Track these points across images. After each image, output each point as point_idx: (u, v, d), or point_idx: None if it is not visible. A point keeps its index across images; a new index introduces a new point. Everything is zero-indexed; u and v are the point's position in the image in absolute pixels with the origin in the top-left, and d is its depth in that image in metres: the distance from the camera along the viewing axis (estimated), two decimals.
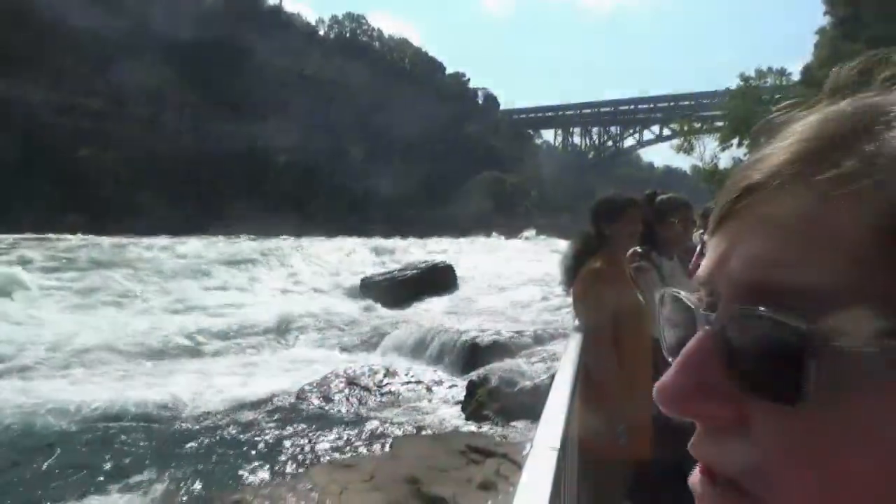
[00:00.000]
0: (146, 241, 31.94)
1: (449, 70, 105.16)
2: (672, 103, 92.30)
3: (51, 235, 32.73)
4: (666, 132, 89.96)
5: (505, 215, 72.34)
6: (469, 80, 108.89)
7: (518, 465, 4.88)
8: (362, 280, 17.86)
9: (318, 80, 76.17)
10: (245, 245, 32.55)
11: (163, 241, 33.18)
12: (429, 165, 78.22)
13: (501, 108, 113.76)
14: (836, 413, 0.29)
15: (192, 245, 28.26)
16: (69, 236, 33.06)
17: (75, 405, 7.38)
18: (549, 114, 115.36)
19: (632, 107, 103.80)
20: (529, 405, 6.73)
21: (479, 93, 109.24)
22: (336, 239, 38.21)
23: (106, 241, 30.56)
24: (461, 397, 7.62)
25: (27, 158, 45.51)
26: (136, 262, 21.10)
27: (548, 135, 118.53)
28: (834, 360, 0.29)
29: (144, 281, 17.84)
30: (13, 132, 45.92)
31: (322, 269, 23.52)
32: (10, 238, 29.05)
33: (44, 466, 5.87)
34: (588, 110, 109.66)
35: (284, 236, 38.25)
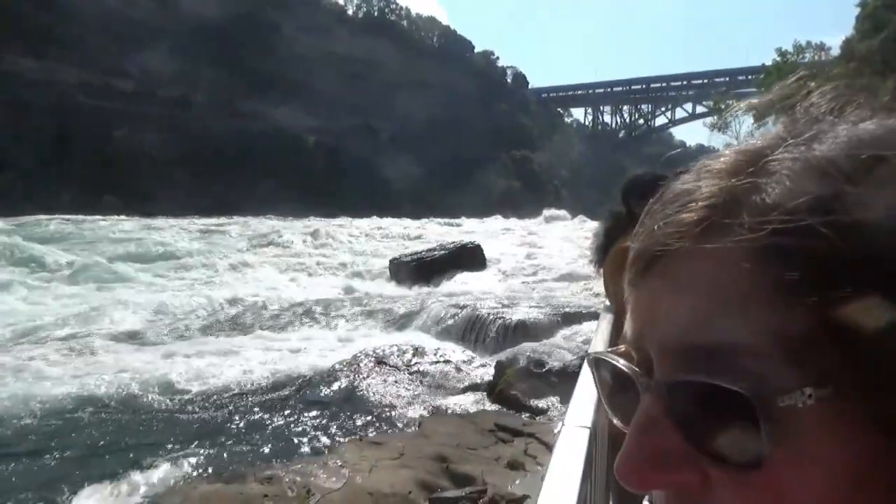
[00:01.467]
0: (173, 221, 32.50)
1: (477, 48, 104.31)
2: (706, 80, 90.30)
3: (85, 216, 33.49)
4: (700, 109, 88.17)
5: (534, 195, 71.91)
6: (498, 58, 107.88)
7: (546, 446, 4.90)
8: (391, 260, 17.93)
9: (347, 60, 76.13)
10: (274, 224, 32.94)
11: (195, 221, 33.76)
12: (457, 145, 77.90)
13: (530, 86, 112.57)
14: (797, 468, 0.29)
15: (226, 226, 28.70)
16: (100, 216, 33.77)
17: (121, 379, 7.60)
18: (579, 92, 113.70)
19: (664, 84, 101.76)
20: (558, 386, 6.73)
21: (508, 71, 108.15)
22: (364, 219, 38.41)
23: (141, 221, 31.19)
24: (489, 377, 7.64)
25: (62, 140, 46.44)
26: (153, 242, 21.52)
27: (577, 113, 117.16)
28: (781, 418, 0.29)
29: (178, 261, 18.20)
30: (48, 114, 46.84)
31: (349, 248, 23.69)
32: (46, 217, 29.79)
33: (87, 438, 6.06)
34: (619, 88, 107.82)
35: (312, 217, 38.57)
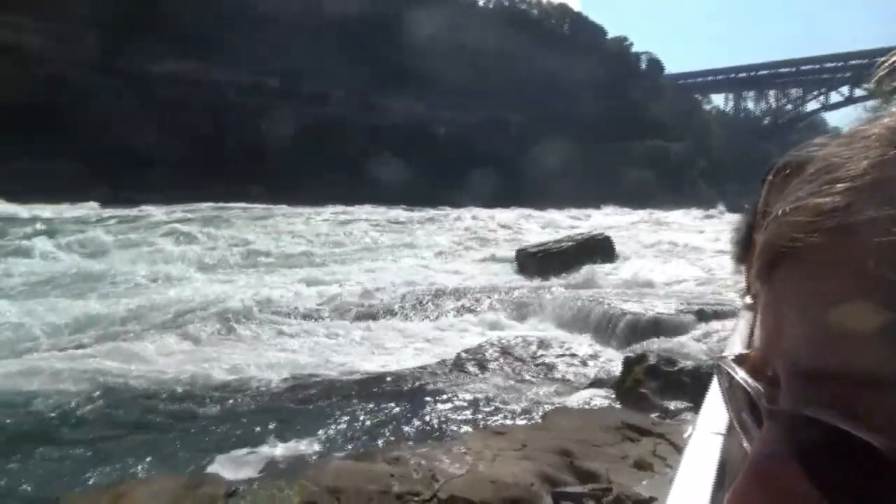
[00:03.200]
0: (310, 210, 34.28)
1: (610, 34, 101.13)
2: (866, 60, 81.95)
3: (234, 204, 36.16)
4: (858, 93, 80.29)
5: (669, 186, 68.82)
6: (631, 44, 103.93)
7: (677, 448, 4.70)
8: (517, 251, 17.89)
9: (477, 51, 76.53)
10: (404, 214, 33.90)
11: (333, 209, 35.46)
12: (589, 134, 76.12)
13: (666, 72, 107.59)
14: None
15: (358, 213, 29.90)
16: (247, 205, 36.27)
17: (241, 363, 8.18)
18: (720, 77, 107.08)
19: (817, 66, 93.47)
20: (691, 386, 6.42)
21: (643, 57, 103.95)
22: (494, 209, 38.55)
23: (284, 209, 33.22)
24: (617, 373, 7.44)
25: (216, 134, 50.40)
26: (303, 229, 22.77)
27: (718, 99, 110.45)
28: None
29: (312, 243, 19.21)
30: (204, 110, 51.04)
31: (478, 238, 23.88)
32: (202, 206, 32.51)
33: (244, 406, 6.58)
34: (764, 71, 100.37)
35: (443, 207, 39.22)
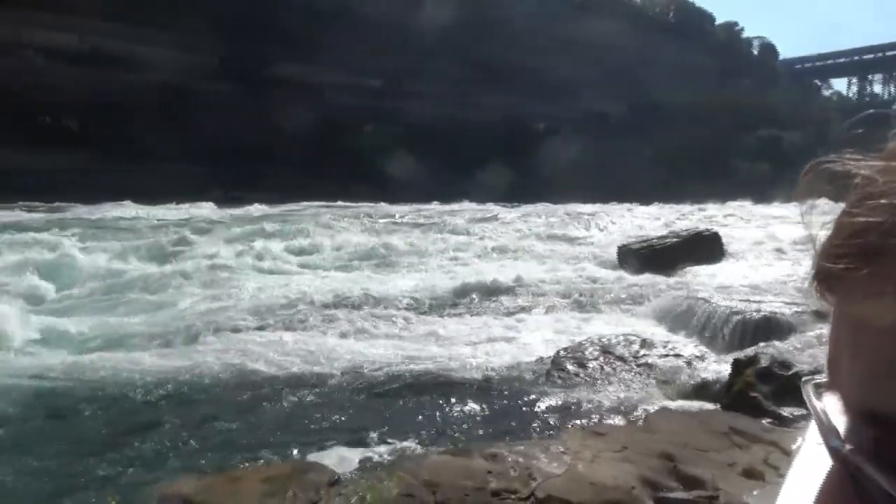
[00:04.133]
0: (408, 207, 34.89)
1: (719, 20, 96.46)
2: None
3: (340, 203, 37.42)
4: None
5: (784, 179, 64.83)
6: (742, 29, 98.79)
7: (790, 457, 4.43)
8: (619, 247, 17.44)
9: (578, 44, 75.09)
10: (502, 210, 33.85)
11: (435, 207, 36.00)
12: (696, 125, 72.96)
13: (781, 57, 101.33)
14: None
15: (458, 209, 30.15)
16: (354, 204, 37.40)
17: (344, 356, 8.44)
18: (841, 60, 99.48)
19: None
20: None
21: (755, 42, 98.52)
22: (596, 205, 37.78)
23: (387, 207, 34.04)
24: (725, 375, 7.10)
25: (323, 135, 52.38)
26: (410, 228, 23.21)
27: (839, 84, 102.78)
28: None
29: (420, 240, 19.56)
30: (311, 112, 53.21)
31: (578, 234, 23.50)
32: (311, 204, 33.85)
33: (346, 399, 6.82)
34: (894, 52, 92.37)
35: (544, 203, 38.82)
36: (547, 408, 6.59)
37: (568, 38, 74.55)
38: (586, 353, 8.30)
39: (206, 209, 33.16)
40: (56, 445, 5.67)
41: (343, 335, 9.72)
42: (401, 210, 33.48)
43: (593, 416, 6.33)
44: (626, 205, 37.20)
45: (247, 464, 5.07)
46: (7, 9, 43.74)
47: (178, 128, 45.75)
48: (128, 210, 30.24)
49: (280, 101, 51.87)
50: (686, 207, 37.40)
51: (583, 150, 63.80)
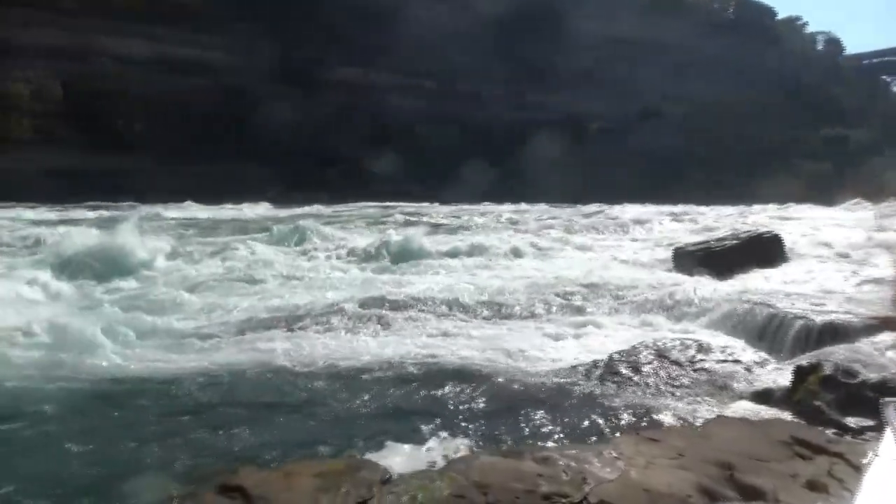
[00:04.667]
0: (467, 206, 34.95)
1: (781, 14, 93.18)
2: None
3: (395, 203, 37.79)
4: None
5: (849, 178, 62.19)
6: (805, 24, 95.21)
7: (858, 470, 4.25)
8: (675, 249, 17.07)
9: (632, 43, 73.77)
10: (560, 211, 33.58)
11: (488, 207, 35.99)
12: (755, 124, 70.74)
13: (846, 52, 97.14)
14: None
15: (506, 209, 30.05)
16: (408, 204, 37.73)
17: (400, 356, 8.53)
18: None
19: None
20: (875, 401, 5.78)
21: (818, 38, 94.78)
22: (648, 205, 37.12)
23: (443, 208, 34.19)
24: (787, 383, 6.87)
25: (379, 136, 53.03)
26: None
27: None
28: None
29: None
30: (369, 113, 54.02)
31: (631, 235, 23.12)
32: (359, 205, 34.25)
33: (374, 401, 6.89)
34: None
35: (598, 204, 38.33)
36: (599, 412, 6.50)
37: (623, 35, 73.32)
38: (640, 356, 8.16)
39: (261, 209, 34.00)
40: (117, 437, 5.92)
41: (396, 333, 9.82)
42: (454, 209, 33.62)
43: (647, 421, 6.22)
44: (682, 206, 36.34)
45: (301, 459, 5.18)
46: (82, 18, 45.86)
47: (237, 130, 47.05)
48: (189, 210, 31.26)
49: (335, 103, 52.74)
50: (754, 207, 36.34)
51: (638, 150, 62.69)
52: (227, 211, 32.21)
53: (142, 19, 47.71)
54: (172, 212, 29.90)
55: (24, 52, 42.63)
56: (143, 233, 16.82)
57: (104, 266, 13.82)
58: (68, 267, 13.77)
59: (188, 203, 33.55)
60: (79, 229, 17.75)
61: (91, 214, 27.21)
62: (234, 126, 47.30)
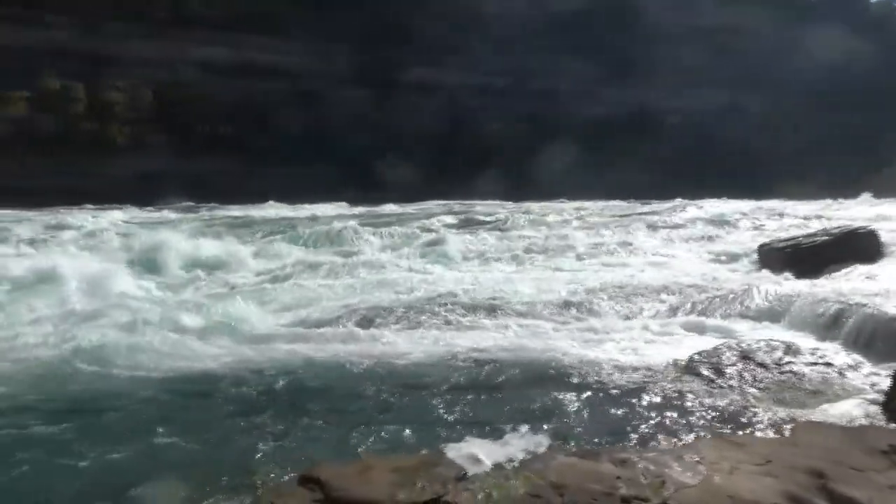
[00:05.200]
0: (539, 204, 34.62)
1: None
2: None
3: (468, 201, 37.90)
4: None
5: None
6: None
7: None
8: (760, 246, 16.37)
9: (713, 31, 71.10)
10: (635, 206, 32.83)
11: (566, 204, 35.60)
12: (845, 114, 66.84)
13: None
14: None
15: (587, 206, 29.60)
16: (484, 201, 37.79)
17: (478, 351, 8.56)
18: None
19: None
20: None
21: None
22: (731, 200, 35.78)
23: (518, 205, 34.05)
24: (884, 388, 6.47)
25: (452, 135, 53.32)
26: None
27: None
28: None
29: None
30: (441, 113, 54.39)
31: (713, 232, 22.33)
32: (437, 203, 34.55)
33: (452, 397, 6.93)
34: None
35: (679, 199, 37.21)
36: (679, 414, 6.32)
37: (700, 25, 70.76)
38: (723, 357, 7.87)
39: (340, 208, 34.79)
40: (207, 426, 6.21)
41: (473, 329, 9.85)
42: (531, 206, 33.42)
43: (731, 425, 5.99)
44: (769, 202, 34.77)
45: (378, 453, 5.28)
46: (171, 28, 48.34)
47: (316, 131, 48.35)
48: (271, 210, 32.36)
49: (409, 103, 53.38)
50: (834, 202, 34.44)
51: (720, 143, 60.43)
52: (305, 210, 33.10)
53: (225, 28, 49.73)
54: (254, 211, 31.08)
55: (119, 63, 45.31)
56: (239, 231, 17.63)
57: (214, 265, 14.62)
58: (171, 265, 14.64)
59: (270, 203, 34.74)
60: (175, 233, 18.71)
61: (174, 216, 28.54)
62: (311, 128, 48.61)
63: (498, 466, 4.62)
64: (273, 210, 32.31)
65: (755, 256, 15.90)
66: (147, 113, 45.39)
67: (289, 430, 6.08)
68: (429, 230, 21.83)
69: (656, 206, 33.53)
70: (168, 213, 29.94)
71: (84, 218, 24.21)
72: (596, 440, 5.68)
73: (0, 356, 8.26)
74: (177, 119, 45.40)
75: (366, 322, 10.27)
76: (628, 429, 5.98)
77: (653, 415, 6.31)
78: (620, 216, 27.66)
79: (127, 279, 13.00)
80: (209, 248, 16.22)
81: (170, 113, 45.45)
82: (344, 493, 4.15)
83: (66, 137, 40.76)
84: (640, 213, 29.35)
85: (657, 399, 6.76)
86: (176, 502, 4.64)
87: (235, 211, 30.92)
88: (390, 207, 34.66)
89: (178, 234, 17.60)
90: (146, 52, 46.76)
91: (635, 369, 7.82)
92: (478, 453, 4.99)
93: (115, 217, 25.67)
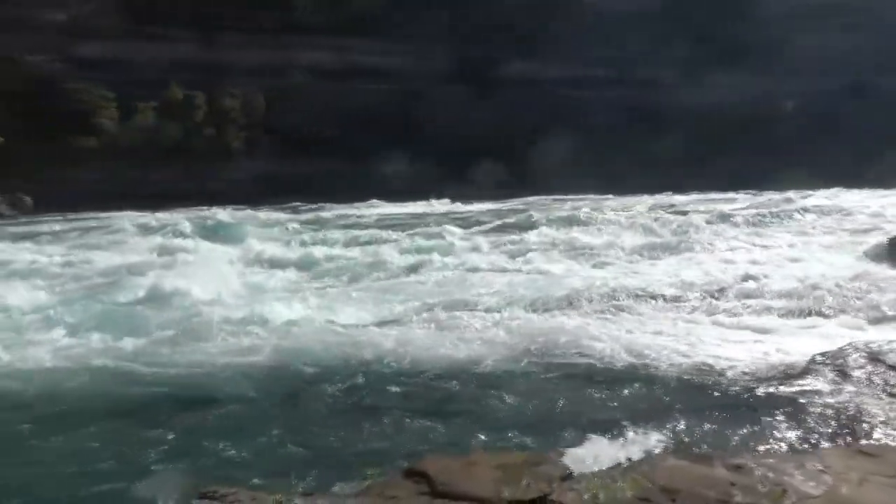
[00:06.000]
0: (634, 199, 33.54)
1: None
2: None
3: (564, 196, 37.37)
4: None
5: None
6: None
7: None
8: (890, 239, 15.12)
9: (834, 8, 65.96)
10: (750, 198, 31.18)
11: (673, 198, 34.31)
12: None
13: None
14: None
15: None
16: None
17: (587, 348, 8.39)
18: None
19: None
20: None
21: None
22: (860, 190, 33.24)
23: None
24: None
25: (552, 128, 52.72)
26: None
27: None
28: None
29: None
30: (538, 106, 53.83)
31: (839, 224, 20.83)
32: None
33: (560, 394, 6.85)
34: None
35: (794, 191, 34.97)
36: (800, 418, 5.95)
37: (823, 4, 65.78)
38: (849, 359, 7.33)
39: (439, 206, 35.23)
40: (308, 418, 6.48)
41: (584, 326, 9.69)
42: (630, 201, 32.48)
43: (858, 432, 5.57)
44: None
45: (483, 449, 5.32)
46: (283, 35, 50.73)
47: (416, 130, 49.16)
48: (374, 209, 33.22)
49: (512, 99, 53.16)
50: None
51: (847, 129, 56.11)
52: (406, 208, 33.70)
53: (330, 33, 51.52)
54: (362, 210, 32.06)
55: (234, 71, 48.03)
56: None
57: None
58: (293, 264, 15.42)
59: (374, 201, 35.67)
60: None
61: (283, 216, 29.81)
62: (413, 127, 49.45)
63: (604, 467, 4.53)
64: (377, 209, 33.11)
65: (885, 250, 14.71)
66: (259, 118, 47.75)
67: (396, 423, 6.23)
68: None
69: (777, 195, 31.61)
70: (283, 214, 31.23)
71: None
72: (709, 443, 5.45)
73: None
74: (286, 123, 47.51)
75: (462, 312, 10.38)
76: (744, 432, 5.70)
77: (770, 418, 5.98)
78: (753, 209, 26.11)
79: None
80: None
81: (279, 117, 47.64)
82: (449, 487, 4.20)
83: (187, 143, 43.61)
84: (758, 203, 27.88)
85: (774, 402, 6.40)
86: (284, 494, 4.86)
87: (341, 210, 31.92)
88: (483, 206, 34.47)
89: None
90: (258, 59, 49.25)
91: (751, 370, 7.45)
92: (583, 453, 4.92)
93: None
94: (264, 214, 27.12)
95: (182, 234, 19.81)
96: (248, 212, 27.95)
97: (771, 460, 4.39)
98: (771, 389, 6.78)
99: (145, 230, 21.64)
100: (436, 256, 15.95)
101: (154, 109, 43.49)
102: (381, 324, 10.07)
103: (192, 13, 48.34)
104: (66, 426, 6.26)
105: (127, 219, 24.32)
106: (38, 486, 5.20)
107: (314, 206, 35.28)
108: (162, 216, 25.48)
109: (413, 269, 15.01)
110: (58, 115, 39.71)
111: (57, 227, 24.19)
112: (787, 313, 10.23)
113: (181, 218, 23.49)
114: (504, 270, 14.92)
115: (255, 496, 4.02)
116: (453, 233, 20.12)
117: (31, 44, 42.58)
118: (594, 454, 4.84)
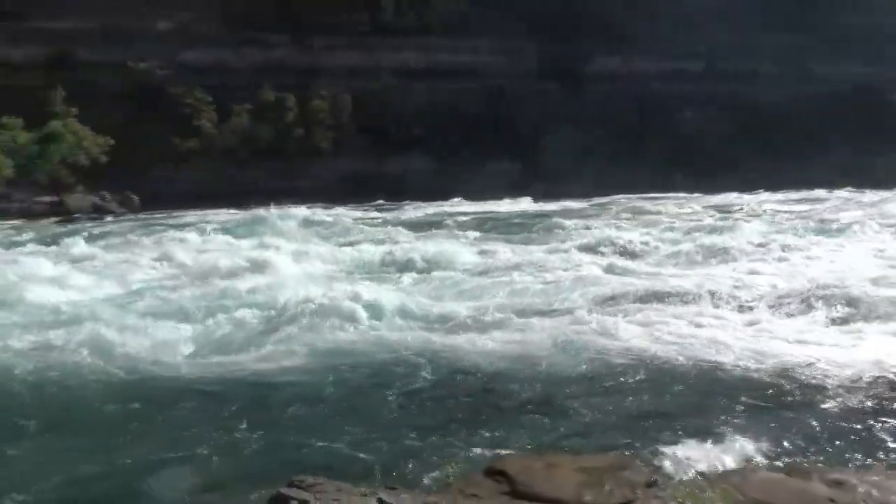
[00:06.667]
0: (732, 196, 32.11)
1: None
2: None
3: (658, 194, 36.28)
4: None
5: None
6: None
7: None
8: None
9: None
10: (855, 196, 29.33)
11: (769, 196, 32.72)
12: None
13: None
14: None
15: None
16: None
17: (670, 351, 8.14)
18: None
19: None
20: None
21: None
22: None
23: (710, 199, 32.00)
24: None
25: (641, 125, 51.32)
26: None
27: None
28: None
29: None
30: (630, 102, 52.55)
31: None
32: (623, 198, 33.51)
33: (645, 396, 6.66)
34: None
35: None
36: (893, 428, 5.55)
37: None
38: None
39: (524, 204, 34.95)
40: (396, 413, 6.58)
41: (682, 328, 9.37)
42: (721, 201, 31.19)
43: None
44: None
45: (565, 450, 5.25)
46: (370, 37, 51.92)
47: (501, 128, 49.06)
48: (459, 207, 33.36)
49: (600, 96, 52.18)
50: None
51: None
52: (490, 206, 33.57)
53: (416, 33, 52.20)
54: (446, 207, 32.25)
55: (324, 73, 49.48)
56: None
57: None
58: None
59: (457, 199, 35.77)
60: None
61: (365, 213, 30.30)
62: (498, 125, 49.37)
63: (692, 475, 4.39)
64: (462, 206, 33.15)
65: None
66: (347, 118, 48.91)
67: (478, 422, 6.23)
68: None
69: (880, 194, 29.54)
70: (370, 212, 31.76)
71: None
72: (806, 456, 5.17)
73: None
74: (372, 122, 48.50)
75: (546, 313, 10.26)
76: (845, 445, 5.37)
77: (875, 432, 5.61)
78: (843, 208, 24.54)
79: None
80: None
81: (366, 117, 48.68)
82: (530, 488, 4.19)
83: (279, 144, 45.22)
84: (863, 203, 26.12)
85: (880, 414, 6.00)
86: (368, 487, 4.95)
87: (429, 209, 32.11)
88: (569, 204, 33.83)
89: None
90: (346, 61, 50.54)
91: (851, 379, 7.00)
92: (670, 458, 4.78)
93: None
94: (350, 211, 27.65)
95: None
96: (339, 209, 28.64)
97: (875, 477, 4.13)
98: (873, 400, 6.36)
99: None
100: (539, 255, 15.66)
101: (248, 112, 45.31)
102: (463, 323, 10.06)
103: (283, 18, 50.17)
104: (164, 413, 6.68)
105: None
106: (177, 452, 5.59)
107: (400, 204, 35.76)
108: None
109: (516, 267, 14.57)
110: (163, 118, 42.11)
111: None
112: (872, 316, 9.54)
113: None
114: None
115: (340, 487, 4.12)
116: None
117: (141, 51, 45.39)
118: (681, 460, 4.69)
